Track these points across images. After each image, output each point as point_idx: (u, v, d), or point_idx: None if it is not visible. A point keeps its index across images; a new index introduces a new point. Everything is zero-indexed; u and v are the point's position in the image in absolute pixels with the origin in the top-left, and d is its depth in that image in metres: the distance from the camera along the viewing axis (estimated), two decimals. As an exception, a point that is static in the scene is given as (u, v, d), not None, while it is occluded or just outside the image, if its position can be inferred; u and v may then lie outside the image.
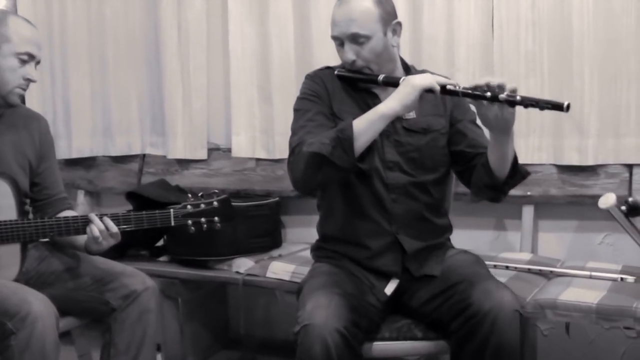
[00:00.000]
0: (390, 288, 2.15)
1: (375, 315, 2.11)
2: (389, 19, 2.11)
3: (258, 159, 3.42)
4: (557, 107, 1.82)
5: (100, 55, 3.65)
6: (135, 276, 2.37)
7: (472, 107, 2.08)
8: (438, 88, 1.94)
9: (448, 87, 1.94)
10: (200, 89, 3.48)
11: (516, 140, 2.90)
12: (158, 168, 3.60)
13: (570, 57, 2.91)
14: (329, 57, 3.17)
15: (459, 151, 2.20)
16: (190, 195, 2.28)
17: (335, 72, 2.18)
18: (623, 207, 2.12)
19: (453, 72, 3.04)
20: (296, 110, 2.15)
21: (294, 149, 2.02)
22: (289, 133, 3.25)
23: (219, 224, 2.27)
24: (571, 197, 2.97)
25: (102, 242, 2.18)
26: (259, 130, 3.40)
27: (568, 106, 1.82)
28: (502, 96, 1.85)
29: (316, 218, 2.35)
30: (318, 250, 2.30)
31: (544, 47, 2.95)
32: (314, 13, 3.24)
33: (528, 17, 2.97)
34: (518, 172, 2.08)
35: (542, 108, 1.84)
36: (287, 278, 2.79)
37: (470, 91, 1.90)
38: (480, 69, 3.08)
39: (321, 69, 2.23)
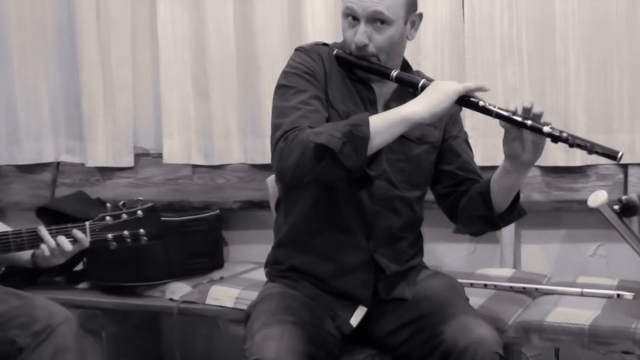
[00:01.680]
0: (356, 319, 2.14)
1: (334, 347, 2.10)
2: (412, 7, 2.13)
3: (194, 166, 3.41)
4: (610, 156, 1.83)
5: (0, 47, 3.59)
6: (49, 308, 2.32)
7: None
8: (475, 102, 1.96)
9: (480, 103, 1.94)
10: (125, 84, 3.45)
11: (489, 138, 2.98)
12: (75, 178, 3.56)
13: (553, 42, 2.94)
14: (275, 46, 3.22)
15: (448, 171, 2.22)
16: (109, 205, 2.24)
17: (335, 52, 2.16)
18: (616, 207, 2.14)
19: (419, 60, 3.04)
20: (285, 86, 2.09)
21: (285, 133, 1.96)
22: (230, 134, 3.34)
23: (145, 238, 2.22)
24: (557, 202, 3.00)
25: (51, 259, 2.18)
26: (195, 132, 3.39)
27: (622, 156, 1.84)
28: (547, 129, 1.86)
29: (265, 234, 2.33)
30: (273, 264, 2.28)
31: (522, 30, 2.99)
32: None
33: (504, -4, 3.02)
34: (516, 208, 2.11)
35: (591, 152, 1.85)
36: (230, 305, 2.77)
37: (507, 114, 1.91)
38: (450, 57, 3.10)
39: (317, 44, 2.19)
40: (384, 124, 1.93)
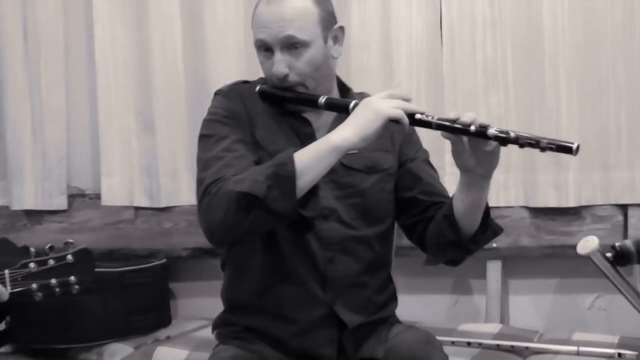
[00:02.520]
0: None
1: (294, 416, 2.09)
2: (330, 22, 2.12)
3: (138, 208, 3.40)
4: (564, 148, 1.84)
5: None
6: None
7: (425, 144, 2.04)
8: (407, 120, 1.93)
9: (417, 116, 1.95)
10: (57, 114, 3.42)
11: None
12: (-1, 223, 3.52)
13: (542, 66, 2.96)
14: (230, 69, 3.20)
15: (410, 198, 2.20)
16: (33, 250, 2.18)
17: (258, 89, 2.15)
18: (609, 254, 2.13)
19: (392, 87, 3.04)
20: (206, 136, 2.12)
21: (208, 186, 1.97)
22: (178, 172, 3.33)
23: (77, 286, 2.16)
24: (549, 248, 3.01)
25: None
26: (139, 170, 3.37)
27: (578, 148, 1.83)
28: (492, 131, 1.86)
29: (217, 285, 2.29)
30: (223, 326, 2.25)
31: (507, 53, 3.02)
32: (209, 12, 3.24)
33: (486, 15, 3.02)
34: (489, 227, 2.08)
35: (543, 149, 1.85)
36: (178, 368, 2.74)
37: (447, 123, 1.90)
38: (427, 84, 3.10)
39: (236, 84, 2.22)
40: (311, 158, 1.92)
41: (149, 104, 3.32)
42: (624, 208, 2.94)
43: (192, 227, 3.31)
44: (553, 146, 1.84)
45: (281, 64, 2.05)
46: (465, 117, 1.89)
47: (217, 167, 2.00)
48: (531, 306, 3.09)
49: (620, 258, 2.07)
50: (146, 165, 3.35)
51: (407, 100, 1.96)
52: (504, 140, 1.87)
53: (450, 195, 2.09)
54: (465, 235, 2.05)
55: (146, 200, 3.37)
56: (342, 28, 2.15)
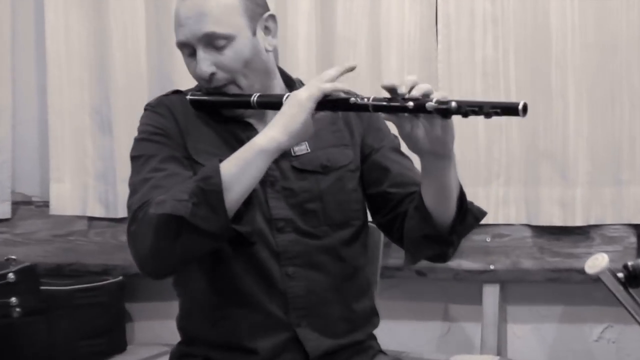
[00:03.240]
0: None
1: None
2: (257, 11, 2.12)
3: (91, 218, 3.39)
4: (510, 110, 1.78)
5: None
6: None
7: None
8: (338, 102, 1.94)
9: (352, 100, 1.92)
10: (1, 111, 3.41)
11: (473, 189, 2.97)
12: None
13: (548, 69, 2.95)
14: None
15: (380, 193, 2.18)
16: None
17: (188, 96, 2.14)
18: (621, 274, 2.11)
19: (380, 89, 3.00)
20: (135, 157, 2.13)
21: (135, 213, 1.97)
22: None
23: (19, 310, 2.15)
24: (553, 271, 3.02)
25: None
26: (94, 176, 3.35)
27: (525, 108, 1.77)
28: (431, 104, 1.83)
29: (175, 305, 2.25)
30: (181, 358, 2.21)
31: (509, 54, 3.02)
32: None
33: (487, 11, 3.01)
34: (469, 213, 2.05)
35: (488, 115, 1.78)
36: (133, 402, 2.75)
37: (384, 103, 1.89)
38: None
39: (166, 95, 2.23)
40: (238, 166, 1.92)
41: (106, 101, 3.31)
42: (637, 228, 2.95)
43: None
44: (498, 109, 1.77)
45: (204, 62, 2.05)
46: (402, 89, 1.87)
47: (144, 190, 1.99)
48: (532, 336, 3.10)
49: (634, 279, 2.04)
50: (102, 170, 3.34)
51: (348, 70, 1.97)
52: (445, 112, 1.82)
53: None
54: (443, 227, 2.02)
55: (101, 209, 3.35)
56: (272, 17, 2.13)
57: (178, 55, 3.14)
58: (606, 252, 2.84)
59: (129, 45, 3.26)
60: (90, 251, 3.36)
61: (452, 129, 1.89)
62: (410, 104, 1.84)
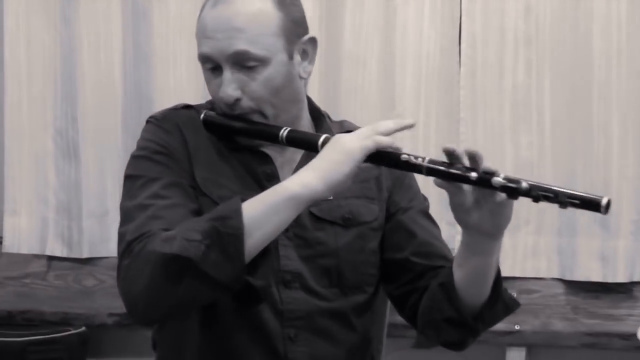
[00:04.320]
0: None
1: None
2: (296, 32, 2.09)
3: (51, 258, 3.41)
4: (591, 205, 1.79)
5: None
6: None
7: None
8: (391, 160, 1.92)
9: (403, 157, 1.91)
10: None
11: None
12: None
13: (589, 100, 2.96)
14: (179, 85, 3.23)
15: (399, 260, 2.16)
16: None
17: (202, 116, 2.10)
18: None
19: (392, 118, 3.00)
20: (131, 177, 2.07)
21: (130, 244, 1.93)
22: (107, 214, 3.30)
23: None
24: (589, 335, 3.02)
25: None
26: (55, 208, 3.38)
27: (608, 205, 1.78)
28: (498, 180, 1.83)
29: None
30: None
31: (544, 81, 3.03)
32: (158, 9, 3.27)
33: (519, 30, 3.02)
34: (500, 300, 2.04)
35: (563, 204, 1.80)
36: None
37: (442, 168, 1.87)
38: (438, 115, 3.09)
39: (175, 109, 2.18)
40: (262, 211, 1.89)
41: (73, 123, 3.32)
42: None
43: (116, 279, 3.30)
44: (577, 201, 1.78)
45: (230, 85, 2.03)
46: (466, 160, 1.86)
47: (142, 219, 1.96)
48: (565, 412, 3.10)
49: None
50: (65, 202, 3.35)
51: (406, 127, 1.95)
52: (512, 191, 1.83)
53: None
54: (468, 311, 2.01)
55: (63, 248, 3.36)
56: (313, 40, 2.12)
57: (159, 70, 3.22)
58: (654, 314, 2.88)
59: (102, 59, 3.29)
60: (48, 297, 3.36)
61: (511, 211, 1.90)
62: (474, 174, 1.84)
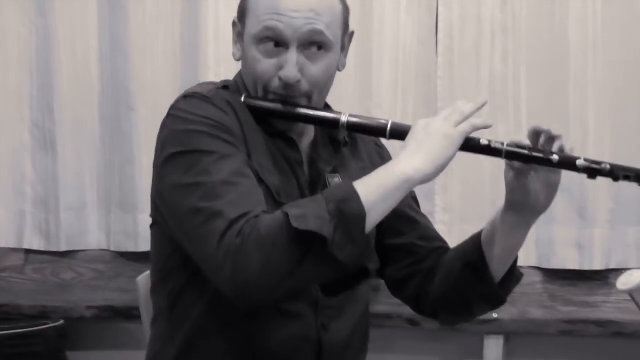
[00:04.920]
0: None
1: None
2: (347, 25, 2.13)
3: (28, 252, 3.39)
4: None
5: None
6: None
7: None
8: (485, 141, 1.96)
9: (484, 142, 1.96)
10: None
11: (474, 227, 2.89)
12: None
13: (565, 89, 2.98)
14: (157, 78, 3.21)
15: (403, 245, 2.23)
16: None
17: (244, 100, 2.07)
18: None
19: (370, 108, 3.06)
20: (193, 152, 1.99)
21: (234, 223, 1.88)
22: (85, 206, 3.31)
23: None
24: (566, 322, 3.03)
25: None
26: (32, 201, 3.36)
27: None
28: (582, 162, 1.89)
29: (132, 356, 2.27)
30: None
31: (520, 70, 3.04)
32: (135, 1, 3.22)
33: (495, 20, 3.03)
34: (514, 274, 2.12)
35: None
36: None
37: (524, 151, 1.95)
38: (416, 105, 3.10)
39: (218, 88, 2.12)
40: (378, 193, 1.89)
41: (49, 115, 3.30)
42: (666, 273, 2.94)
43: (101, 279, 3.35)
44: None
45: (295, 66, 2.02)
46: (543, 141, 1.94)
47: (236, 196, 1.92)
48: (542, 398, 3.00)
49: None
50: (43, 195, 3.33)
51: (482, 106, 1.99)
52: (595, 172, 1.90)
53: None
54: (497, 287, 2.09)
55: (40, 241, 3.35)
56: (352, 35, 2.16)
57: (136, 62, 3.21)
58: (628, 301, 2.88)
59: (78, 50, 3.27)
60: (26, 290, 3.35)
61: (558, 186, 2.00)
62: (556, 157, 1.91)
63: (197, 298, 2.08)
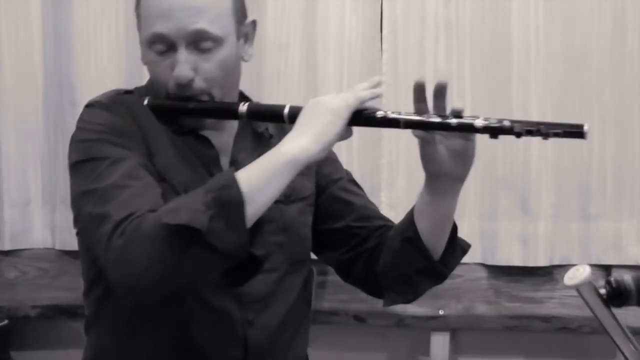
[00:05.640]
0: None
1: None
2: (243, 14, 2.12)
3: None
4: (573, 132, 1.81)
5: None
6: None
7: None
8: (378, 112, 1.93)
9: (380, 114, 1.93)
10: None
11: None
12: None
13: (508, 83, 3.00)
14: (101, 72, 3.20)
15: (342, 228, 2.21)
16: None
17: (148, 101, 2.09)
18: (603, 290, 2.13)
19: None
20: (91, 160, 2.01)
21: (120, 223, 1.89)
22: (29, 203, 3.29)
23: None
24: (511, 318, 3.04)
25: None
26: None
27: (587, 131, 1.81)
28: (480, 122, 1.86)
29: (76, 356, 2.20)
30: None
31: (464, 64, 3.07)
32: None
33: (439, 16, 3.05)
34: (458, 245, 2.11)
35: (546, 136, 1.82)
36: None
37: (422, 118, 1.91)
38: None
39: (119, 93, 2.14)
40: (260, 177, 1.89)
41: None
42: (607, 270, 2.97)
43: (46, 277, 3.32)
44: (559, 131, 1.81)
45: (186, 66, 2.02)
46: (436, 107, 1.89)
47: (124, 198, 1.92)
48: (487, 392, 2.95)
49: (617, 296, 2.07)
50: (-14, 190, 3.26)
51: (376, 84, 1.96)
52: (496, 131, 1.85)
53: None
54: (435, 260, 2.07)
55: (-17, 240, 3.28)
56: (254, 23, 2.14)
57: (80, 56, 3.19)
58: (571, 296, 2.91)
59: (21, 43, 3.26)
60: (-33, 289, 3.24)
61: (475, 150, 1.95)
62: (454, 121, 1.87)
63: (121, 302, 2.07)
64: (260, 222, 2.02)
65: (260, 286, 2.08)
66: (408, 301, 2.18)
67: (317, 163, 2.20)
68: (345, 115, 1.91)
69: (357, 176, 2.28)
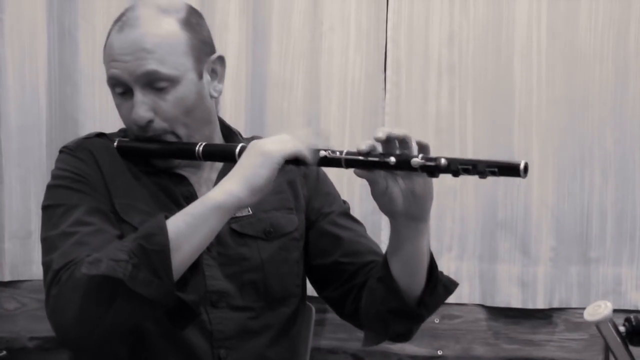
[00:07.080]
0: None
1: None
2: (204, 51, 2.13)
3: None
4: (509, 170, 1.78)
5: None
6: None
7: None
8: (310, 157, 1.92)
9: (322, 153, 1.92)
10: None
11: None
12: None
13: (510, 127, 3.00)
14: (105, 107, 3.16)
15: (330, 264, 2.21)
16: None
17: (116, 143, 2.12)
18: (622, 328, 2.13)
19: (317, 142, 3.01)
20: (50, 207, 2.07)
21: (57, 273, 1.92)
22: (30, 236, 3.24)
23: None
24: None
25: None
26: None
27: (526, 168, 1.77)
28: (417, 161, 1.83)
29: None
30: None
31: (466, 107, 3.06)
32: (84, 29, 3.22)
33: (442, 58, 3.06)
34: (439, 283, 2.06)
35: (482, 174, 1.79)
36: None
37: (360, 157, 1.88)
38: (362, 139, 3.02)
39: (88, 137, 2.19)
40: (186, 224, 1.89)
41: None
42: (606, 314, 2.95)
43: (45, 309, 3.24)
44: (495, 169, 1.77)
45: (142, 107, 2.04)
46: (380, 146, 1.87)
47: (66, 247, 1.95)
48: None
49: (636, 335, 2.07)
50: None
51: (324, 136, 1.95)
52: (432, 169, 1.82)
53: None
54: (410, 299, 2.03)
55: (-18, 270, 3.27)
56: (221, 59, 2.15)
57: (84, 91, 3.18)
58: (570, 340, 2.91)
59: (26, 77, 3.24)
60: (-35, 320, 3.24)
61: (432, 189, 1.92)
62: (392, 159, 1.85)
63: None
64: (230, 259, 2.10)
65: (230, 324, 2.09)
66: (382, 341, 2.13)
67: (307, 197, 2.22)
68: (277, 159, 1.88)
69: (357, 215, 2.28)
